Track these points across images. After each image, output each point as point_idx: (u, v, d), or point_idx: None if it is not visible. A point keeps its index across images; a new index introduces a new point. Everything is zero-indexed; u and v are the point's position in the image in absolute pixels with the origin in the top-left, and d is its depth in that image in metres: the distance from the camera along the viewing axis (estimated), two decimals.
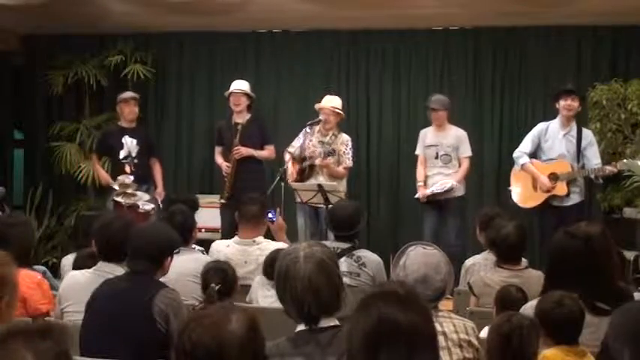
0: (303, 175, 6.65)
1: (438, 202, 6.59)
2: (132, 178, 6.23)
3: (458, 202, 6.64)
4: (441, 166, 6.61)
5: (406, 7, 7.08)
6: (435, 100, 6.65)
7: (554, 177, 6.08)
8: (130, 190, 6.00)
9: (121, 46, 7.93)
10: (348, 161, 6.70)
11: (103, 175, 6.93)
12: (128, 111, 6.89)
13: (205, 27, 7.89)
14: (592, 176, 6.06)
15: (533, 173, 6.19)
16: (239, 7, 7.21)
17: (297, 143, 6.71)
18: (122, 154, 6.80)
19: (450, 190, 6.50)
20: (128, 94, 7.00)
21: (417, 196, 6.67)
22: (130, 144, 6.82)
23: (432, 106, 6.63)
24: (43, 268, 4.42)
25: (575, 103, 6.11)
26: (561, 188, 6.08)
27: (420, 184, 6.65)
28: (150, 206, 6.00)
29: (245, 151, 6.69)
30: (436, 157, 6.63)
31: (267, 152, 6.86)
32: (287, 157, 6.71)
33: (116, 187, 6.16)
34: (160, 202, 6.58)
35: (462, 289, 4.24)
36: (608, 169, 5.99)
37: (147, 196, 6.20)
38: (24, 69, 8.44)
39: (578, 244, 2.95)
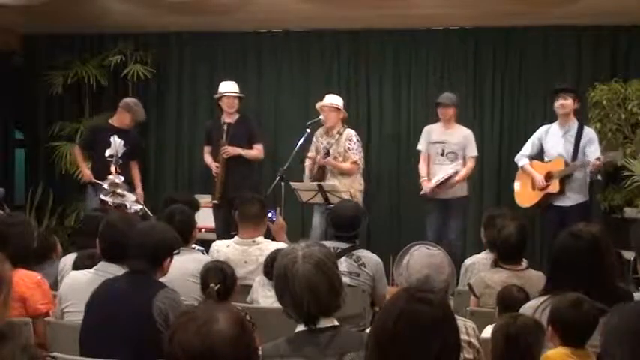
0: (320, 176, 6.64)
1: (442, 202, 6.58)
2: (122, 178, 6.22)
3: (461, 202, 6.64)
4: (446, 164, 6.60)
5: (406, 7, 7.08)
6: (444, 96, 6.68)
7: (549, 176, 6.11)
8: (119, 191, 5.99)
9: (121, 46, 7.93)
10: (353, 156, 6.68)
11: (86, 172, 6.94)
12: (126, 123, 6.94)
13: (205, 27, 7.89)
14: (587, 170, 6.04)
15: (530, 173, 6.26)
16: (239, 7, 7.21)
17: (313, 147, 6.75)
18: (108, 152, 6.76)
19: (454, 175, 6.46)
20: (139, 114, 7.00)
21: (422, 192, 6.61)
22: (117, 144, 6.76)
23: (440, 101, 6.65)
24: None
25: (568, 101, 6.12)
26: (554, 186, 6.11)
27: (424, 179, 6.63)
28: (138, 207, 6.00)
29: (232, 150, 6.72)
30: (442, 154, 6.62)
31: (256, 152, 6.89)
32: (307, 162, 6.71)
33: (106, 186, 6.15)
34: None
35: (461, 289, 4.23)
36: (592, 161, 5.93)
37: (134, 197, 6.21)
38: (24, 69, 8.44)
39: (584, 245, 2.94)
